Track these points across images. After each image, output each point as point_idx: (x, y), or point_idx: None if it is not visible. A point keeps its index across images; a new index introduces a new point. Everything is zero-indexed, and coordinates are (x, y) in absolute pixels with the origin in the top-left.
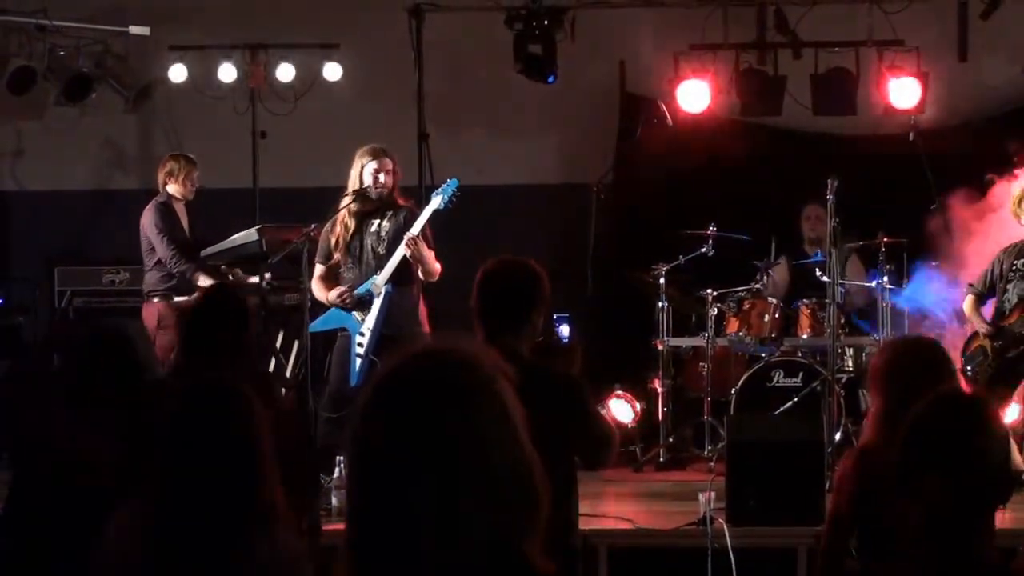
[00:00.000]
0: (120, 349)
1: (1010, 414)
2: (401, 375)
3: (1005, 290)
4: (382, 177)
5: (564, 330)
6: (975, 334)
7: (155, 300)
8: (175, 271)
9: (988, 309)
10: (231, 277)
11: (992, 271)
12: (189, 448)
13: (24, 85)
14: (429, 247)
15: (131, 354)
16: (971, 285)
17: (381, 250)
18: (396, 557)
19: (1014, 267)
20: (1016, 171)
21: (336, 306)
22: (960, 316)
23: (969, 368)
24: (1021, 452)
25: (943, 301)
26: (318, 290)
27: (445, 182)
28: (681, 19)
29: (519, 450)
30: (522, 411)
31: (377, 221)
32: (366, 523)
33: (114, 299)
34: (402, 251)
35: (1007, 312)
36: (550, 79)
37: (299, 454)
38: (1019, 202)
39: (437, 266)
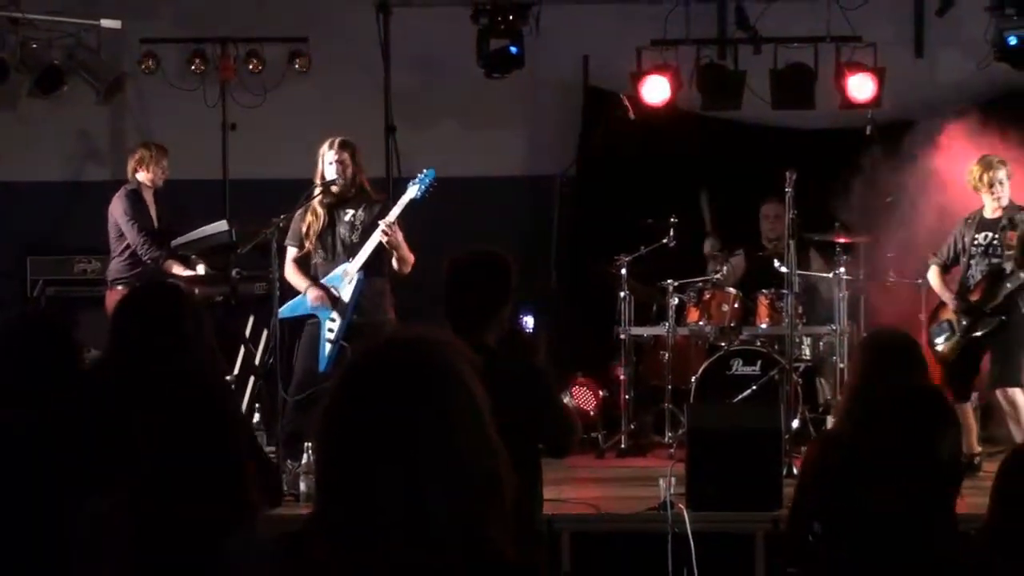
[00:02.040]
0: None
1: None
2: (371, 362)
3: (969, 265)
4: (335, 167)
5: (528, 321)
6: (941, 304)
7: (119, 287)
8: (146, 258)
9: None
10: (200, 267)
11: (955, 243)
12: (167, 435)
13: None
14: (405, 245)
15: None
16: (935, 255)
17: (355, 239)
18: (363, 538)
19: (975, 241)
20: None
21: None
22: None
23: (938, 343)
24: (973, 436)
25: None
26: (293, 274)
27: (422, 172)
28: (643, 15)
29: (484, 436)
30: (487, 399)
31: (351, 211)
32: (334, 506)
33: (86, 288)
34: (378, 238)
35: (971, 288)
36: (516, 65)
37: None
38: (979, 177)
39: (411, 256)
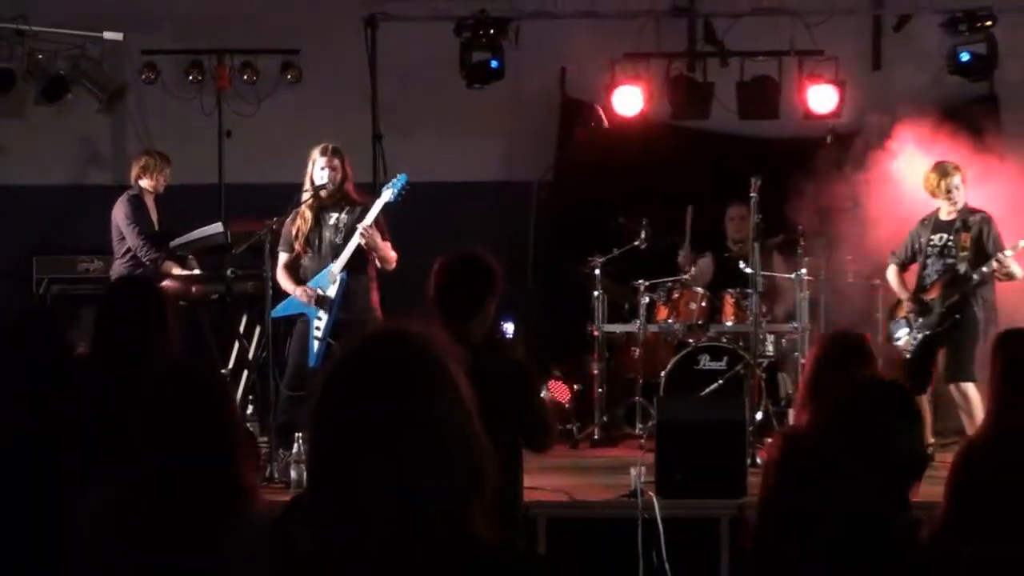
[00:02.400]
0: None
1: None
2: (359, 356)
3: (925, 265)
4: (327, 173)
5: (509, 328)
6: (898, 303)
7: None
8: (145, 260)
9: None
10: (196, 268)
11: (912, 243)
12: (167, 433)
13: (4, 86)
14: (384, 237)
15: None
16: (893, 254)
17: (339, 241)
18: (352, 521)
19: (931, 242)
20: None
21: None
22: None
23: (897, 338)
24: (927, 428)
25: None
26: (283, 278)
27: (395, 177)
28: (617, 29)
29: (468, 425)
30: (471, 390)
31: (335, 215)
32: (325, 490)
33: (88, 286)
34: (357, 240)
35: (928, 287)
36: (497, 75)
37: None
38: (936, 183)
39: (392, 254)
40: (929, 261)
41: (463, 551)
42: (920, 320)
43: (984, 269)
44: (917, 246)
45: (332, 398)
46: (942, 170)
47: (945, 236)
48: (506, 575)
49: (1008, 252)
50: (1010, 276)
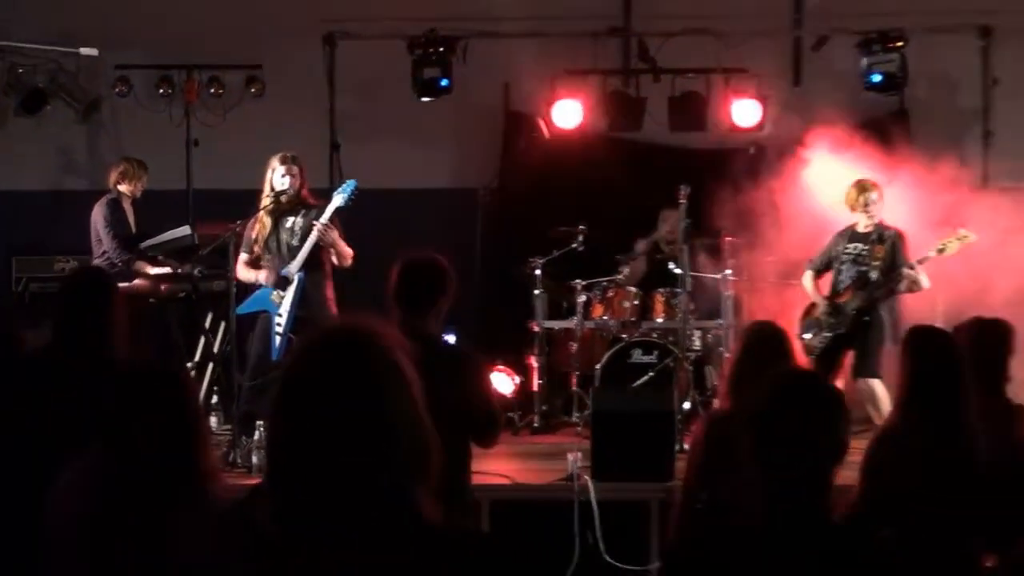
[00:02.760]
0: None
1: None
2: (315, 349)
3: (839, 271)
4: (287, 180)
5: (451, 338)
6: (812, 304)
7: None
8: (117, 261)
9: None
10: (167, 267)
11: (828, 251)
12: (135, 423)
13: None
14: (340, 236)
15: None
16: (811, 261)
17: (295, 243)
18: (307, 497)
19: (846, 251)
20: None
21: (263, 282)
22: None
23: (806, 336)
24: None
25: None
26: (243, 272)
27: (345, 182)
28: (557, 47)
29: (414, 410)
30: (418, 380)
31: (292, 219)
32: (282, 477)
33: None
34: (314, 238)
35: (840, 291)
36: (446, 91)
37: None
38: (856, 198)
39: (349, 250)
40: (843, 268)
41: (410, 528)
42: (831, 320)
43: (893, 283)
44: (834, 254)
45: (290, 389)
46: (861, 187)
47: (860, 246)
48: (464, 559)
49: (915, 264)
50: (919, 286)
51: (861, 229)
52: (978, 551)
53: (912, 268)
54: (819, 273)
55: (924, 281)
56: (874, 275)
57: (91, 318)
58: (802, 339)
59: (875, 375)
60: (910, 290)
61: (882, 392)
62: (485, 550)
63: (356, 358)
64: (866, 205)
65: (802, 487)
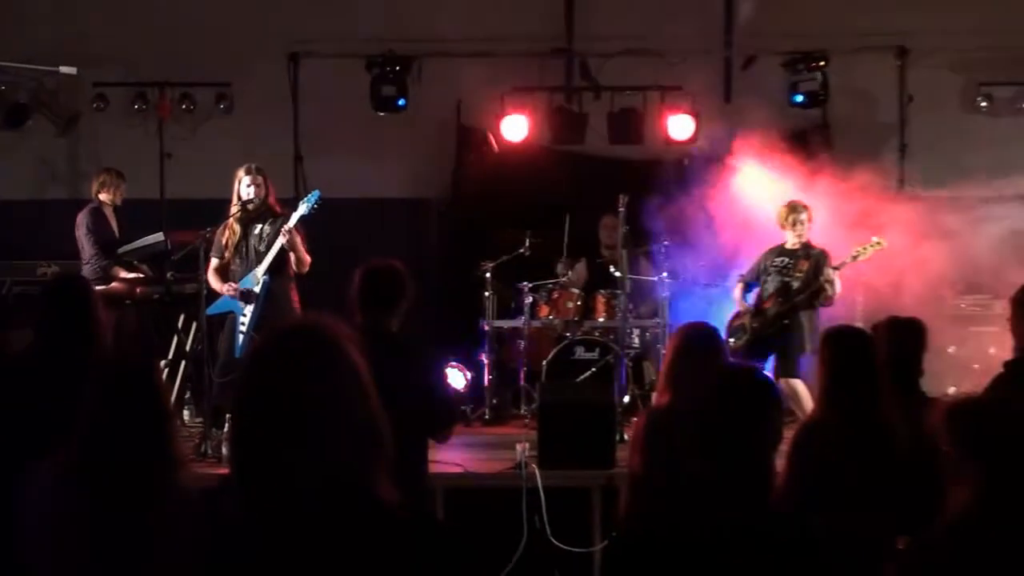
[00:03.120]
0: None
1: None
2: (272, 342)
3: (765, 282)
4: (252, 189)
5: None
6: (738, 313)
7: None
8: (95, 266)
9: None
10: (141, 271)
11: (758, 266)
12: (111, 415)
13: None
14: (303, 244)
15: None
16: (742, 275)
17: (262, 248)
18: (268, 484)
19: (774, 264)
20: None
21: (227, 295)
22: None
23: (731, 340)
24: None
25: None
26: (213, 280)
27: (309, 193)
28: (506, 67)
29: (366, 399)
30: (369, 369)
31: (259, 226)
32: (245, 460)
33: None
34: (280, 242)
35: (765, 299)
36: (402, 107)
37: None
38: (786, 217)
39: (307, 257)
40: (770, 278)
41: (368, 510)
42: (755, 326)
43: (813, 292)
44: (762, 268)
45: (250, 382)
46: (792, 207)
47: (787, 260)
48: (419, 541)
49: (833, 269)
50: (833, 288)
51: (789, 246)
52: (892, 533)
53: (830, 273)
54: (748, 287)
55: (837, 287)
56: (796, 284)
57: (72, 322)
58: (728, 343)
59: (796, 375)
60: (824, 301)
61: (803, 391)
62: (438, 534)
63: (310, 351)
64: (795, 224)
65: (746, 473)
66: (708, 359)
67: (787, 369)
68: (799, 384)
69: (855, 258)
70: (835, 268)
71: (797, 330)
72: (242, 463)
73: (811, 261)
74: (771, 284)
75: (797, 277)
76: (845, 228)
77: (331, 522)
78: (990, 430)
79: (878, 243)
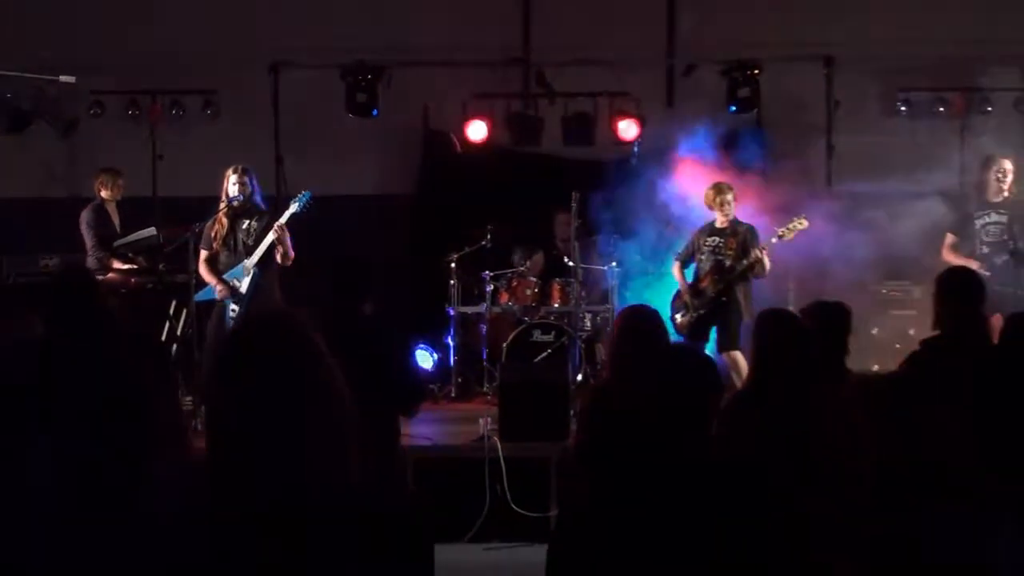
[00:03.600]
0: None
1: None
2: (242, 331)
3: (700, 260)
4: (238, 187)
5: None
6: (679, 292)
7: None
8: (94, 257)
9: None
10: (135, 263)
11: (691, 244)
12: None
13: None
14: (288, 244)
15: None
16: (677, 254)
17: (250, 242)
18: (245, 458)
19: (706, 243)
20: None
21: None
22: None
23: (676, 316)
24: None
25: None
26: (204, 272)
27: (301, 193)
28: (468, 75)
29: (330, 380)
30: (328, 353)
31: (247, 222)
32: (220, 444)
33: (47, 278)
34: (271, 237)
35: (701, 277)
36: (374, 112)
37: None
38: (713, 198)
39: (292, 252)
40: (703, 258)
41: (339, 481)
42: (695, 303)
43: (744, 262)
44: (695, 247)
45: (222, 365)
46: (718, 188)
47: (718, 239)
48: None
49: (760, 250)
50: (763, 267)
51: (718, 225)
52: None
53: (758, 253)
54: (684, 264)
55: (767, 264)
56: (728, 262)
57: (81, 310)
58: (673, 320)
59: (736, 347)
60: (757, 274)
61: (743, 361)
62: (406, 501)
63: (276, 338)
64: (721, 204)
65: (688, 436)
66: (649, 338)
67: (728, 342)
68: (739, 356)
69: (780, 237)
70: (762, 248)
71: (734, 304)
72: (216, 444)
73: (738, 238)
74: (706, 263)
75: (728, 255)
76: (777, 220)
77: (299, 494)
78: (898, 405)
79: (800, 223)
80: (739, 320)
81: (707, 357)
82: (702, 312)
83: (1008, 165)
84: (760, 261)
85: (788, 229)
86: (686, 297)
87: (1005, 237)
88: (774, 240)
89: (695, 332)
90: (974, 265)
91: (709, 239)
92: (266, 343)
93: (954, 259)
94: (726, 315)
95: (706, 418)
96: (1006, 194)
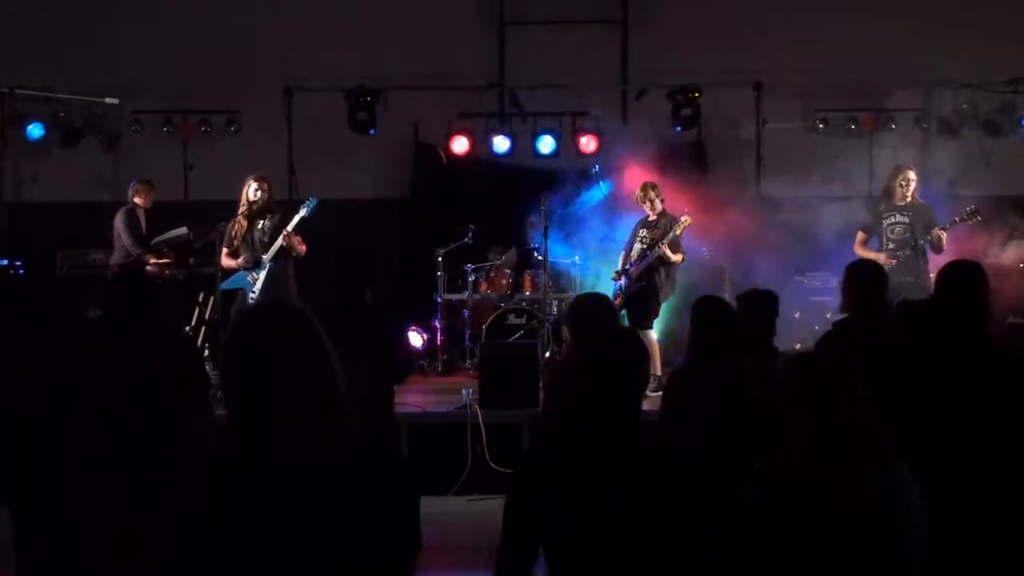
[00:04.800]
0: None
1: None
2: (248, 318)
3: (632, 247)
4: (258, 193)
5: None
6: (615, 276)
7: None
8: (133, 252)
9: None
10: (169, 257)
11: (632, 237)
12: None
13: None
14: (300, 243)
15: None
16: (626, 242)
17: (266, 240)
18: (261, 425)
19: (639, 235)
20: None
21: (241, 268)
22: None
23: (615, 299)
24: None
25: None
26: (227, 261)
27: (308, 199)
28: (453, 97)
29: (326, 360)
30: (326, 335)
31: (262, 221)
32: (235, 411)
33: (95, 270)
34: (280, 243)
35: (632, 264)
36: (371, 132)
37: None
38: (641, 196)
39: (303, 249)
40: (636, 245)
41: (336, 434)
42: (625, 284)
43: (655, 250)
44: (632, 238)
45: (234, 342)
46: (643, 188)
47: (646, 231)
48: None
49: (663, 243)
50: (668, 258)
51: (650, 219)
52: (747, 458)
53: (660, 245)
54: (627, 253)
55: (672, 256)
56: (648, 256)
57: (143, 305)
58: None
59: (647, 327)
60: (664, 261)
61: (653, 340)
62: (396, 454)
63: (276, 322)
64: (651, 201)
65: (626, 407)
66: (599, 320)
67: (641, 322)
68: (651, 335)
69: (675, 234)
70: (663, 242)
71: (651, 287)
72: (236, 405)
73: (661, 229)
74: (634, 250)
75: (651, 244)
76: (716, 219)
77: (307, 445)
78: (815, 376)
79: (686, 220)
80: (654, 302)
81: (639, 338)
82: (628, 294)
83: (912, 175)
84: (663, 255)
85: (678, 229)
86: (620, 281)
87: (908, 235)
88: (673, 234)
89: (626, 309)
90: (881, 258)
91: (641, 231)
92: (260, 329)
93: (863, 253)
94: (644, 297)
95: (636, 388)
96: (909, 199)
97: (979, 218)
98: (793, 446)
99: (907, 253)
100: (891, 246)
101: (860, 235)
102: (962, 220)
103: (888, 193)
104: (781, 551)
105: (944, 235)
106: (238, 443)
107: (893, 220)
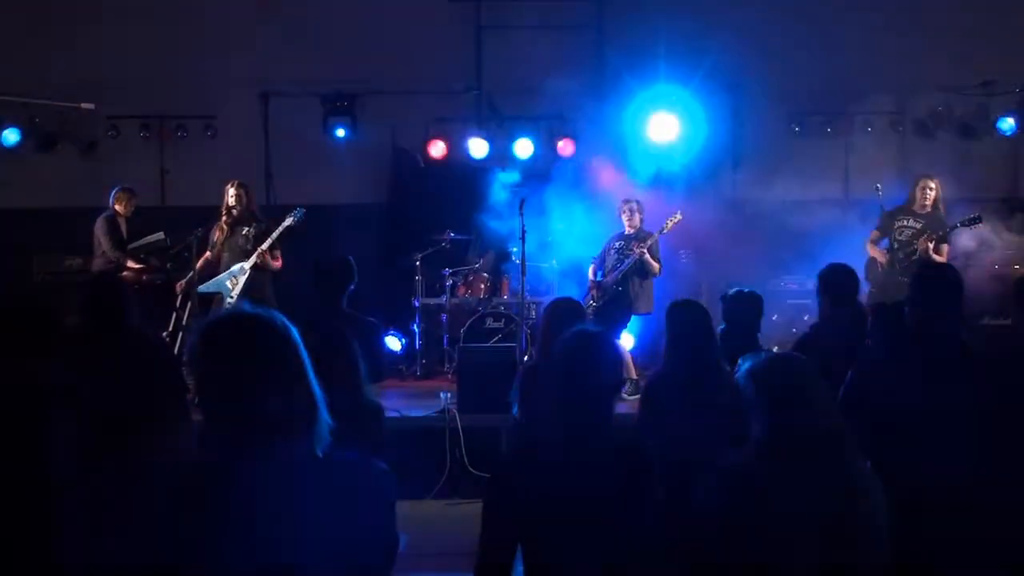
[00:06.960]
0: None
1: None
2: (215, 325)
3: (605, 260)
4: (235, 199)
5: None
6: (589, 287)
7: None
8: (112, 257)
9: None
10: (146, 263)
11: (604, 249)
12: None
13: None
14: (275, 259)
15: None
16: (594, 258)
17: (248, 247)
18: (234, 424)
19: (613, 247)
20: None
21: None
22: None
23: (589, 309)
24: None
25: None
26: (203, 264)
27: (297, 208)
28: (429, 101)
29: (301, 366)
30: (299, 341)
31: (245, 228)
32: (205, 407)
33: (71, 276)
34: (253, 260)
35: (606, 274)
36: (349, 133)
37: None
38: (627, 210)
39: (277, 264)
40: (609, 258)
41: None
42: (599, 295)
43: (633, 256)
44: (606, 250)
45: (202, 344)
46: (624, 202)
47: (623, 243)
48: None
49: (645, 251)
50: (651, 266)
51: (625, 232)
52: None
53: (643, 254)
54: (598, 267)
55: (654, 265)
56: (626, 261)
57: (117, 307)
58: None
59: (618, 336)
60: (648, 271)
61: (625, 345)
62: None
63: (251, 328)
64: (630, 215)
65: (594, 409)
66: (570, 323)
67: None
68: (625, 339)
69: (662, 231)
70: (647, 248)
71: (625, 297)
72: (206, 408)
73: (638, 239)
74: (610, 262)
75: (627, 255)
76: (688, 224)
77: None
78: (766, 377)
79: (675, 218)
80: (628, 308)
81: (610, 339)
82: (600, 304)
83: (932, 183)
84: (647, 263)
85: (667, 224)
86: (593, 291)
87: (914, 239)
88: (657, 234)
89: (599, 321)
90: (884, 257)
91: (617, 243)
92: (221, 336)
93: (869, 250)
94: (616, 306)
95: (609, 390)
96: (928, 207)
97: (980, 224)
98: (751, 446)
99: (910, 255)
100: (896, 247)
101: (873, 234)
102: (963, 226)
103: (910, 199)
104: (741, 553)
105: (931, 246)
106: (213, 448)
107: (904, 224)
